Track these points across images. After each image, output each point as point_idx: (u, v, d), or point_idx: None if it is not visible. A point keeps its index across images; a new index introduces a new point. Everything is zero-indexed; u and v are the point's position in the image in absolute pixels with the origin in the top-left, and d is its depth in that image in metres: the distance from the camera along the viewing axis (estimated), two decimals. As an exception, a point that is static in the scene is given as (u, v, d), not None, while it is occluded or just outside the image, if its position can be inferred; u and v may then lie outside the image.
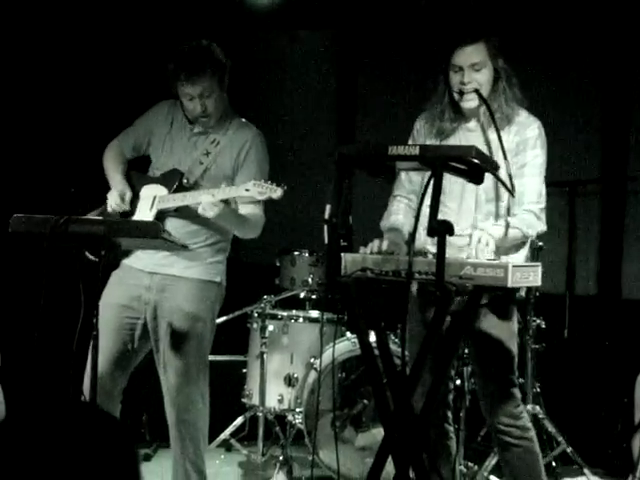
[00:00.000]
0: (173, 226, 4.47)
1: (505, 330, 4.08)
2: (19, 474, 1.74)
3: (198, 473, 4.61)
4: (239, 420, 5.95)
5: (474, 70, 4.00)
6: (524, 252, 4.08)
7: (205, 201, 4.31)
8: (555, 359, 5.90)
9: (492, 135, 4.03)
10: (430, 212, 3.45)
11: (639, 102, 6.43)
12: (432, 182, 3.45)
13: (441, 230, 3.44)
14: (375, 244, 3.90)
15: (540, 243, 5.53)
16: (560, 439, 5.54)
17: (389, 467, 3.78)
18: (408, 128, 4.33)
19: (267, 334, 5.73)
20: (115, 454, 1.81)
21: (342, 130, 7.37)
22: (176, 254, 4.46)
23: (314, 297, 6.00)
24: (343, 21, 7.25)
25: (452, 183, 3.67)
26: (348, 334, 5.55)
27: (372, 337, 4.02)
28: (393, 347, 4.66)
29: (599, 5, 6.39)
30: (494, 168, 3.62)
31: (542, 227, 4.06)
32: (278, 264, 6.11)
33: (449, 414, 4.30)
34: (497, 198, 4.02)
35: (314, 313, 5.89)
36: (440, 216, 3.44)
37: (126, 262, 4.59)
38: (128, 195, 4.58)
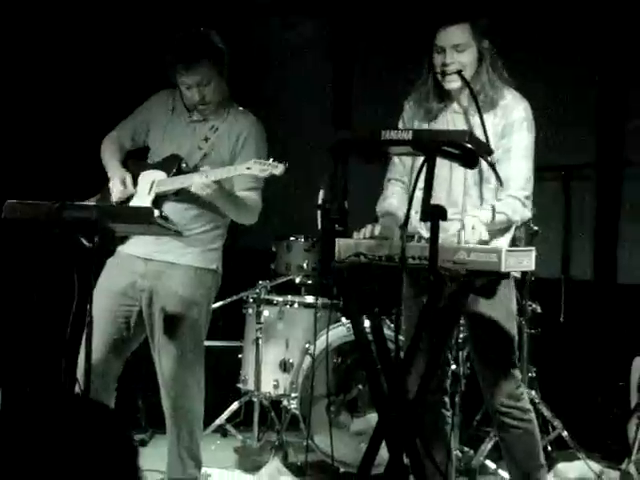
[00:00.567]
0: (173, 211, 4.48)
1: (502, 310, 4.06)
2: (16, 469, 1.73)
3: (193, 459, 4.62)
4: (234, 405, 5.94)
5: (457, 51, 3.97)
6: (508, 236, 4.06)
7: (197, 182, 4.32)
8: (551, 344, 5.90)
9: (476, 117, 3.99)
10: (423, 197, 3.45)
11: (635, 85, 6.42)
12: (425, 167, 3.46)
13: (434, 215, 3.44)
14: (368, 229, 3.89)
15: (535, 227, 5.53)
16: (556, 423, 5.55)
17: (383, 452, 3.80)
18: (405, 115, 4.32)
19: (262, 319, 5.73)
20: (112, 445, 1.81)
21: (338, 117, 7.36)
22: (172, 240, 4.45)
23: (309, 282, 6.00)
24: (338, 7, 7.23)
25: (439, 167, 3.66)
26: (343, 319, 5.54)
27: (367, 322, 4.03)
28: (388, 332, 4.66)
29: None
30: (488, 153, 3.62)
31: (527, 214, 4.04)
32: (274, 249, 6.10)
33: (446, 399, 4.30)
34: (484, 180, 3.99)
35: (309, 298, 5.89)
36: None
37: (121, 249, 4.59)
38: (129, 179, 4.57)
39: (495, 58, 4.07)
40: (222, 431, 6.06)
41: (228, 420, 5.97)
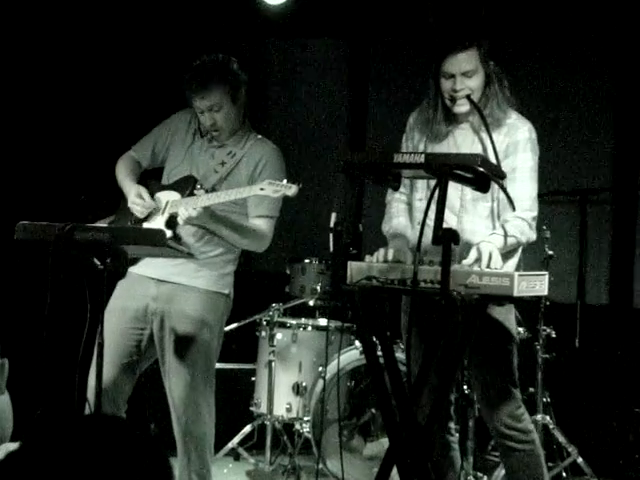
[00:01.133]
0: (187, 232, 4.48)
1: (500, 330, 4.04)
2: None
3: (204, 484, 4.60)
4: (247, 429, 5.93)
5: (466, 77, 3.98)
6: (516, 259, 4.04)
7: (182, 212, 4.33)
8: (566, 369, 5.87)
9: (484, 137, 4.00)
10: (435, 221, 3.43)
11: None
12: (437, 190, 3.44)
13: (446, 239, 3.43)
14: (381, 253, 3.87)
15: (550, 252, 5.51)
16: (571, 449, 5.51)
17: (396, 477, 3.77)
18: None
19: (275, 342, 5.72)
20: (149, 468, 1.78)
21: (353, 139, 7.36)
22: (185, 262, 4.44)
23: (323, 305, 5.99)
24: (355, 30, 7.24)
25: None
26: (356, 343, 5.52)
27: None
28: (400, 355, 4.64)
29: (612, 11, 6.36)
30: (500, 177, 3.60)
31: (533, 236, 4.02)
32: (288, 272, 6.09)
33: (451, 425, 4.26)
34: (482, 198, 3.97)
35: (323, 321, 5.88)
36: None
37: (133, 270, 4.58)
38: (145, 193, 4.57)
39: (501, 78, 4.07)
40: (234, 454, 6.04)
41: (240, 443, 5.95)
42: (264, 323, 5.88)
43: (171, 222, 4.51)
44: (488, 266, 3.65)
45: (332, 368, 5.25)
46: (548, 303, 5.57)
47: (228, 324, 5.05)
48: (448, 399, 4.21)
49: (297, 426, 5.76)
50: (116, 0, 6.58)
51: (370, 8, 6.95)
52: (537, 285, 3.62)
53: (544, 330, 5.60)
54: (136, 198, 4.56)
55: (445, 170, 3.48)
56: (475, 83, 4.00)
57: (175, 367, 4.46)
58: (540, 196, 5.82)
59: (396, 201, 4.24)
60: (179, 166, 4.65)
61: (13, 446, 1.78)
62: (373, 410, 5.49)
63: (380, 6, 6.86)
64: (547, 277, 3.71)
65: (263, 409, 5.77)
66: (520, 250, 4.05)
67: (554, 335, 5.61)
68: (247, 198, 4.51)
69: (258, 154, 4.57)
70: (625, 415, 5.87)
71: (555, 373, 5.73)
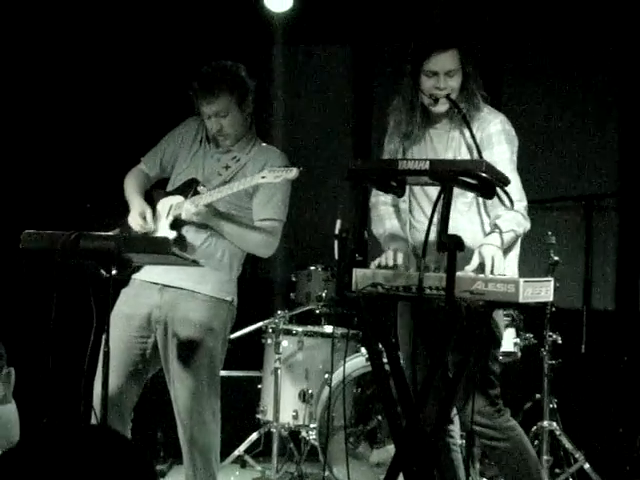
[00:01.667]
0: (193, 237, 4.51)
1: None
2: None
3: (210, 490, 4.60)
4: (254, 436, 5.92)
5: (449, 76, 4.01)
6: (516, 251, 4.03)
7: (187, 208, 4.39)
8: (572, 374, 5.85)
9: (456, 136, 4.04)
10: (440, 227, 3.43)
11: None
12: (442, 197, 3.44)
13: (451, 245, 3.42)
14: (390, 256, 3.87)
15: (556, 258, 5.50)
16: (578, 455, 5.50)
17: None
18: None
19: (281, 350, 5.71)
20: (133, 475, 1.79)
21: (358, 145, 7.36)
22: (189, 269, 4.45)
23: (329, 312, 5.99)
24: (359, 37, 7.25)
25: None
26: (362, 350, 5.52)
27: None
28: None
29: (618, 16, 6.35)
30: (503, 182, 3.59)
31: (528, 225, 4.02)
32: (294, 279, 6.09)
33: (451, 427, 4.26)
34: (461, 194, 3.95)
35: (328, 328, 5.87)
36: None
37: (137, 277, 4.59)
38: (148, 213, 4.59)
39: (478, 79, 4.11)
40: (241, 462, 6.04)
41: (247, 451, 5.95)
42: (270, 330, 5.87)
43: (175, 224, 4.53)
44: (492, 272, 3.65)
45: (338, 375, 5.25)
46: (554, 309, 5.56)
47: (234, 331, 5.05)
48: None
49: (303, 433, 5.76)
50: (124, 9, 6.58)
51: (375, 14, 6.95)
52: (543, 291, 3.61)
53: (550, 336, 5.59)
54: (138, 217, 4.57)
55: (450, 177, 3.48)
56: (456, 83, 4.05)
57: (179, 374, 4.45)
58: (545, 202, 5.87)
59: (383, 204, 4.27)
60: (184, 172, 4.67)
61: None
62: (379, 417, 5.48)
63: (385, 12, 6.86)
64: (553, 283, 3.69)
65: (269, 416, 5.77)
66: (519, 241, 4.04)
67: (560, 341, 5.60)
68: (253, 202, 4.53)
69: (263, 159, 4.58)
70: (632, 421, 5.86)
71: (561, 379, 5.72)
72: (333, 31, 7.22)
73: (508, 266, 3.90)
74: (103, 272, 3.86)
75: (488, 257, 3.70)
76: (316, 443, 5.49)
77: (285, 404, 5.71)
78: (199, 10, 6.87)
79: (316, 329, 5.88)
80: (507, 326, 5.35)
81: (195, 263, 4.15)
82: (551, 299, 3.72)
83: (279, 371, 5.67)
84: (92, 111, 6.60)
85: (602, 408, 6.12)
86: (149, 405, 5.22)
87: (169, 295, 4.50)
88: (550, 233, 5.55)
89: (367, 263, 3.83)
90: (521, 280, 3.47)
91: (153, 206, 4.66)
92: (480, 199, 4.01)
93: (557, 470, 5.59)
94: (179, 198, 4.57)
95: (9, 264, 5.67)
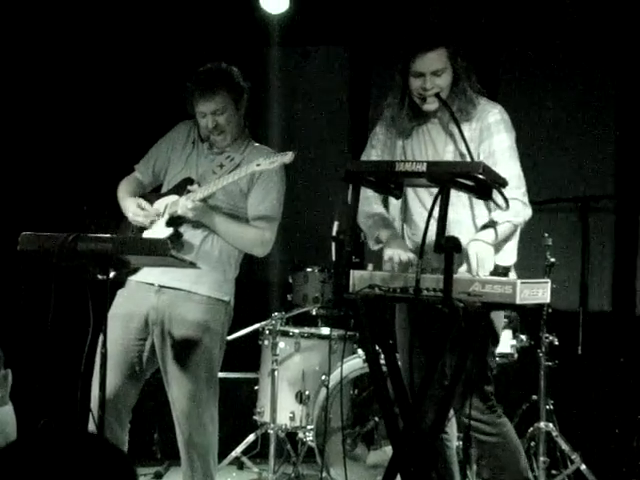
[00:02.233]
0: (191, 235, 4.52)
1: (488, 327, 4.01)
2: None
3: (208, 493, 4.59)
4: (250, 437, 5.92)
5: (436, 76, 4.01)
6: (515, 240, 4.03)
7: (182, 203, 4.40)
8: (568, 376, 5.86)
9: (455, 132, 4.02)
10: (437, 229, 3.43)
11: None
12: (439, 199, 3.45)
13: (449, 247, 3.43)
14: (400, 255, 3.84)
15: (552, 259, 5.51)
16: (574, 457, 5.50)
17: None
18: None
19: (278, 351, 5.71)
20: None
21: (355, 146, 7.36)
22: (186, 269, 4.44)
23: (326, 314, 5.99)
24: (356, 37, 7.26)
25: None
26: (359, 351, 5.53)
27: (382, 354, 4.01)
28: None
29: (615, 18, 6.36)
30: (501, 184, 3.60)
31: (529, 211, 4.01)
32: (291, 280, 6.09)
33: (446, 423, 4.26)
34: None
35: (325, 330, 5.88)
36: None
37: (133, 278, 4.58)
38: (144, 202, 4.60)
39: (470, 74, 4.09)
40: (238, 463, 6.04)
41: (244, 452, 5.95)
42: (267, 332, 5.87)
43: (172, 222, 4.53)
44: (478, 273, 3.65)
45: (335, 376, 5.24)
46: (550, 310, 5.57)
47: (230, 333, 5.04)
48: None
49: (300, 435, 5.76)
50: (120, 12, 6.58)
51: (371, 15, 6.96)
52: (539, 293, 3.61)
53: (547, 337, 5.60)
54: (137, 209, 4.58)
55: (447, 178, 3.49)
56: (444, 81, 4.03)
57: (177, 376, 4.44)
58: (542, 203, 5.87)
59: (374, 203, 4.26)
60: (178, 173, 4.67)
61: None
62: (376, 418, 5.49)
63: (381, 13, 6.87)
64: (549, 285, 3.70)
65: (266, 418, 5.77)
66: (518, 232, 4.03)
67: (557, 342, 5.61)
68: (247, 200, 4.53)
69: (259, 157, 4.58)
70: (628, 422, 5.86)
71: (558, 380, 5.73)
72: (329, 32, 7.22)
73: (505, 258, 3.89)
74: (99, 274, 3.85)
75: (473, 257, 3.70)
76: (313, 444, 5.49)
77: (282, 405, 5.71)
78: (196, 12, 6.88)
79: (313, 331, 5.88)
80: (504, 327, 5.35)
81: (193, 265, 4.14)
82: (548, 300, 3.72)
83: (276, 373, 5.66)
84: (89, 114, 6.61)
85: (599, 409, 6.12)
86: (147, 406, 5.23)
87: (166, 296, 4.50)
88: (547, 234, 5.56)
89: (364, 265, 3.83)
90: (518, 281, 3.47)
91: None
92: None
93: (553, 471, 5.60)
94: (174, 197, 4.57)
95: (6, 266, 5.68)
